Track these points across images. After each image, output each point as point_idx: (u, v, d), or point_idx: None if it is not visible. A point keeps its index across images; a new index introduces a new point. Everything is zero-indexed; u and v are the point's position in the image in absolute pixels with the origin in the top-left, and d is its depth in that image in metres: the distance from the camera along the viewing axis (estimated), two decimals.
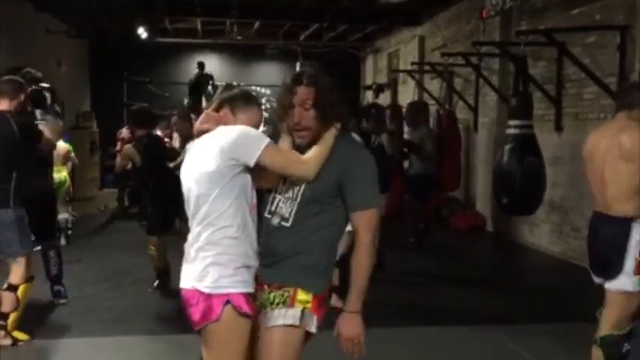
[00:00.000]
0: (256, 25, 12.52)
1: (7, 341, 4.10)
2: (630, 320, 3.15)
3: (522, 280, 6.52)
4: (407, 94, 11.39)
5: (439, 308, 5.23)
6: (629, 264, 3.04)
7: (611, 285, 3.12)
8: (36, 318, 4.76)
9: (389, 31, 13.10)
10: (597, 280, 3.24)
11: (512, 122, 6.17)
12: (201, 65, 12.13)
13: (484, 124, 8.93)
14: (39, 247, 5.26)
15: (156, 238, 5.51)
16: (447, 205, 9.33)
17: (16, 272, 4.14)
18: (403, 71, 11.77)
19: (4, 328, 4.11)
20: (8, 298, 4.09)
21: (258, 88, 14.37)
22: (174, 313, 4.71)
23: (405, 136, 8.44)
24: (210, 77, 12.55)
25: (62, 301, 5.10)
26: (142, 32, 12.40)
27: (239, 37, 12.95)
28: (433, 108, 9.62)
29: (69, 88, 11.85)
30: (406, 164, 7.98)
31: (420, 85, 11.00)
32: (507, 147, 6.08)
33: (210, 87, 12.14)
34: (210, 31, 13.45)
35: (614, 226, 3.10)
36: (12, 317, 4.17)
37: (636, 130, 3.05)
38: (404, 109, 9.10)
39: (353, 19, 11.48)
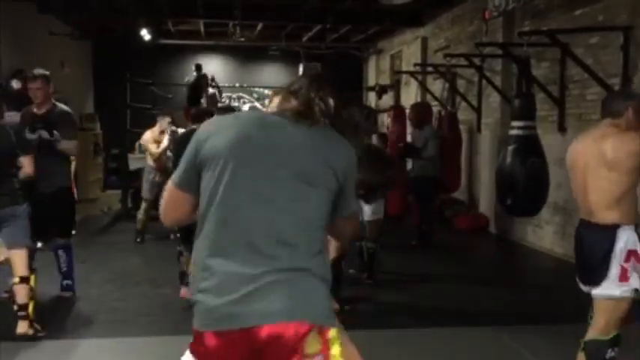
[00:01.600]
0: (259, 26, 12.53)
1: (31, 331, 4.25)
2: (617, 327, 3.13)
3: (525, 281, 6.52)
4: (409, 96, 11.39)
5: (441, 309, 5.24)
6: (614, 270, 3.04)
7: (597, 292, 3.12)
8: (41, 319, 4.77)
9: (391, 32, 13.11)
10: (584, 288, 3.23)
11: (514, 123, 6.17)
12: (198, 67, 12.13)
13: (487, 125, 8.93)
14: (39, 245, 5.29)
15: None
16: (450, 206, 9.33)
17: (21, 264, 4.27)
18: (406, 72, 11.77)
19: (26, 318, 4.25)
20: (22, 289, 4.24)
21: (260, 90, 14.41)
22: (178, 315, 4.72)
23: (409, 137, 8.44)
24: (211, 79, 12.51)
25: (68, 293, 5.20)
26: (145, 34, 12.42)
27: (242, 39, 12.98)
28: (435, 109, 9.62)
29: (72, 90, 11.87)
30: (409, 165, 7.99)
31: (423, 87, 11.01)
32: (510, 148, 6.09)
33: (210, 89, 12.12)
34: (213, 33, 13.47)
35: (600, 233, 3.10)
36: (30, 307, 4.30)
37: (619, 138, 3.05)
38: (407, 111, 9.11)
39: (356, 20, 11.48)
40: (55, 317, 4.83)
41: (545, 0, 7.60)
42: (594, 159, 3.09)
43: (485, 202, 8.84)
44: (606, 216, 3.07)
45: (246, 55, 14.94)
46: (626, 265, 3.03)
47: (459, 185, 9.02)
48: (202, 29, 13.09)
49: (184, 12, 11.25)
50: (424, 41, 11.56)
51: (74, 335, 4.47)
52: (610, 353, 3.10)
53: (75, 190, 8.22)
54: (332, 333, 1.80)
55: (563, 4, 7.19)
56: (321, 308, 1.81)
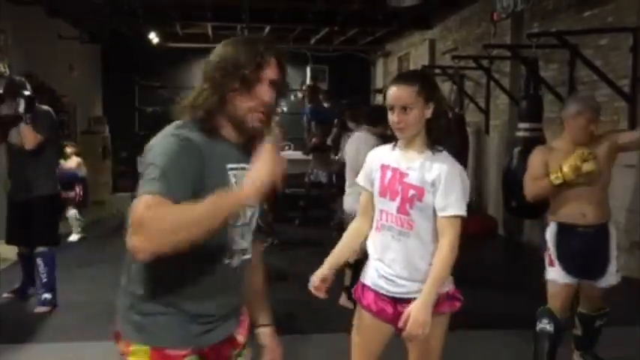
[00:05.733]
0: (267, 29, 12.56)
1: None
2: (565, 309, 3.73)
3: (536, 284, 6.47)
4: None
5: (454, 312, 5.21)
6: (546, 259, 3.80)
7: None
8: (53, 322, 4.80)
9: (399, 34, 13.10)
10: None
11: (521, 125, 6.16)
12: None
13: (495, 126, 8.92)
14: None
15: None
16: None
17: None
18: None
19: None
20: None
21: None
22: None
23: None
24: None
25: (44, 308, 4.99)
26: (153, 37, 12.48)
27: None
28: None
29: (81, 93, 11.94)
30: None
31: None
32: (517, 150, 6.08)
33: None
34: (221, 36, 13.45)
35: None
36: None
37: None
38: None
39: (363, 22, 11.49)
40: (67, 320, 4.86)
41: (554, 1, 7.58)
42: None
43: (494, 205, 8.82)
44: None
45: None
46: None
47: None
48: (210, 32, 13.13)
49: (193, 15, 11.29)
50: (432, 43, 11.56)
51: (85, 338, 4.48)
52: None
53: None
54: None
55: (573, 6, 7.17)
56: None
